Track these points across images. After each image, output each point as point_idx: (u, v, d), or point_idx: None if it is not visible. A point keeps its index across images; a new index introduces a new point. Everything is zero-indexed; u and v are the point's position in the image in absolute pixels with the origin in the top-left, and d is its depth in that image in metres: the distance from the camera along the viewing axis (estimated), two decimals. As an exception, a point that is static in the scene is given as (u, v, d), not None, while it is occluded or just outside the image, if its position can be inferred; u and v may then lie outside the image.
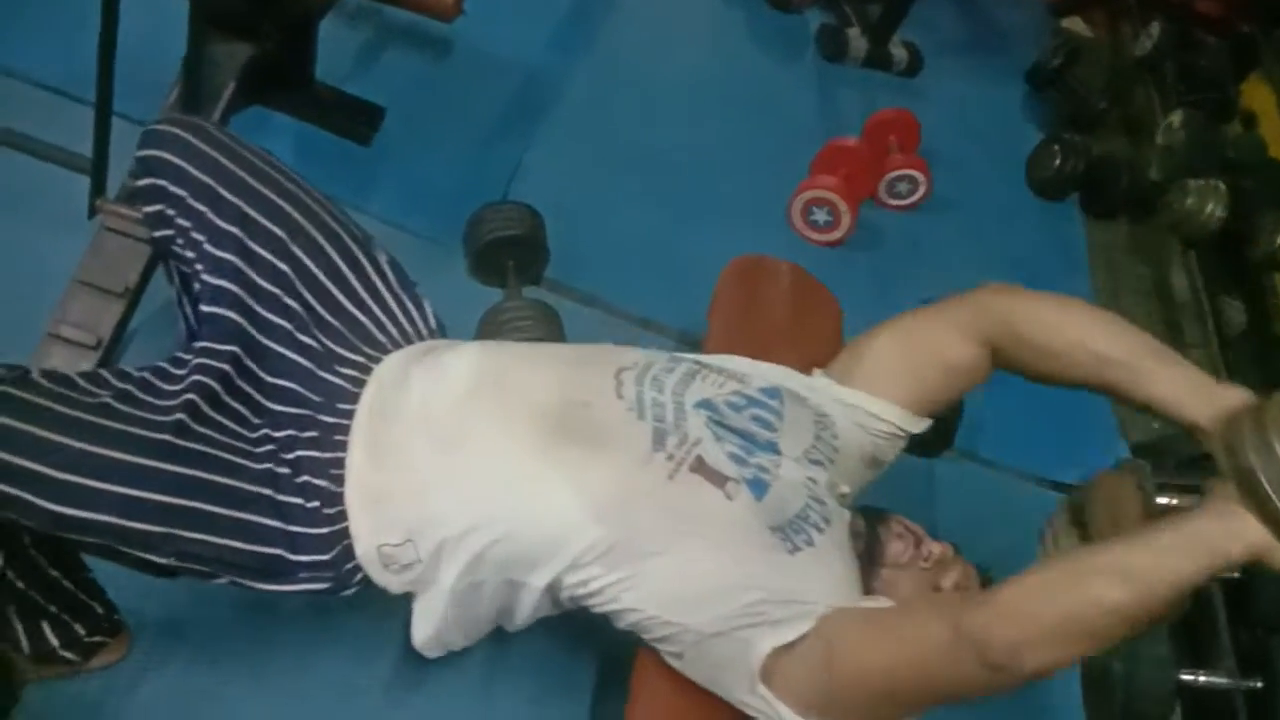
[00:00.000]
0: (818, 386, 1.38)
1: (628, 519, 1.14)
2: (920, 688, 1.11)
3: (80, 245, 1.57)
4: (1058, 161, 2.92)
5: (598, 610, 1.20)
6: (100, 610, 1.31)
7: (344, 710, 1.49)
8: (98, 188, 1.58)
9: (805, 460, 1.24)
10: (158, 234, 1.32)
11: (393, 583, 1.19)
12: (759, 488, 1.18)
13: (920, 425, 1.38)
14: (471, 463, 1.16)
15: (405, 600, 1.23)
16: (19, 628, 1.24)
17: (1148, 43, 3.29)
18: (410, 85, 2.31)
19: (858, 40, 3.07)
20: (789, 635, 1.13)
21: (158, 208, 1.28)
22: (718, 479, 1.17)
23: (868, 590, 1.26)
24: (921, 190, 2.66)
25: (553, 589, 1.19)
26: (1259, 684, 1.75)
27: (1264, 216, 2.62)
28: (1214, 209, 2.62)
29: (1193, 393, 1.12)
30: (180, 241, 1.27)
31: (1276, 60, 3.16)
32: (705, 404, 1.23)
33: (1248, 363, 2.65)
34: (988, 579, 1.34)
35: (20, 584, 1.16)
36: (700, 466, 1.16)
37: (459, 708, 1.54)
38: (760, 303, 1.67)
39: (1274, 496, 0.94)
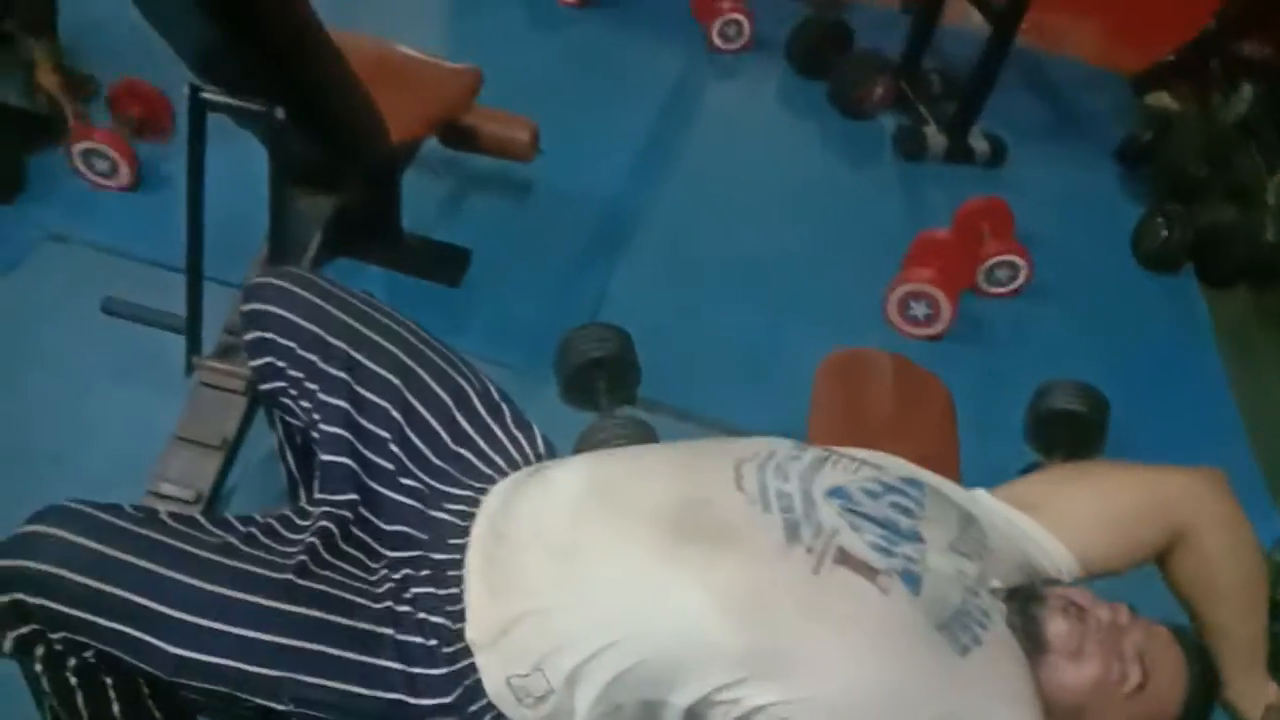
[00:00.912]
0: (973, 497, 1.27)
1: (769, 620, 1.02)
2: None
3: (178, 404, 1.61)
4: (1164, 232, 2.81)
5: None
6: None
7: None
8: (193, 345, 1.63)
9: (952, 552, 1.12)
10: (266, 387, 1.31)
11: (529, 717, 1.10)
12: (912, 580, 1.05)
13: (1074, 576, 1.27)
14: (589, 573, 1.07)
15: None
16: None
17: (1241, 106, 3.19)
18: (495, 226, 2.38)
19: (936, 137, 3.05)
20: None
21: (265, 360, 1.29)
22: (867, 572, 1.04)
23: (1039, 679, 1.12)
24: (1023, 275, 2.57)
25: (700, 708, 1.04)
26: None
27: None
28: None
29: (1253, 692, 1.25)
30: (292, 393, 1.27)
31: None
32: (838, 491, 1.11)
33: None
34: (1180, 633, 1.20)
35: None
36: (845, 559, 1.04)
37: None
38: (862, 397, 1.59)
39: None
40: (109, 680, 1.06)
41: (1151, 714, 1.13)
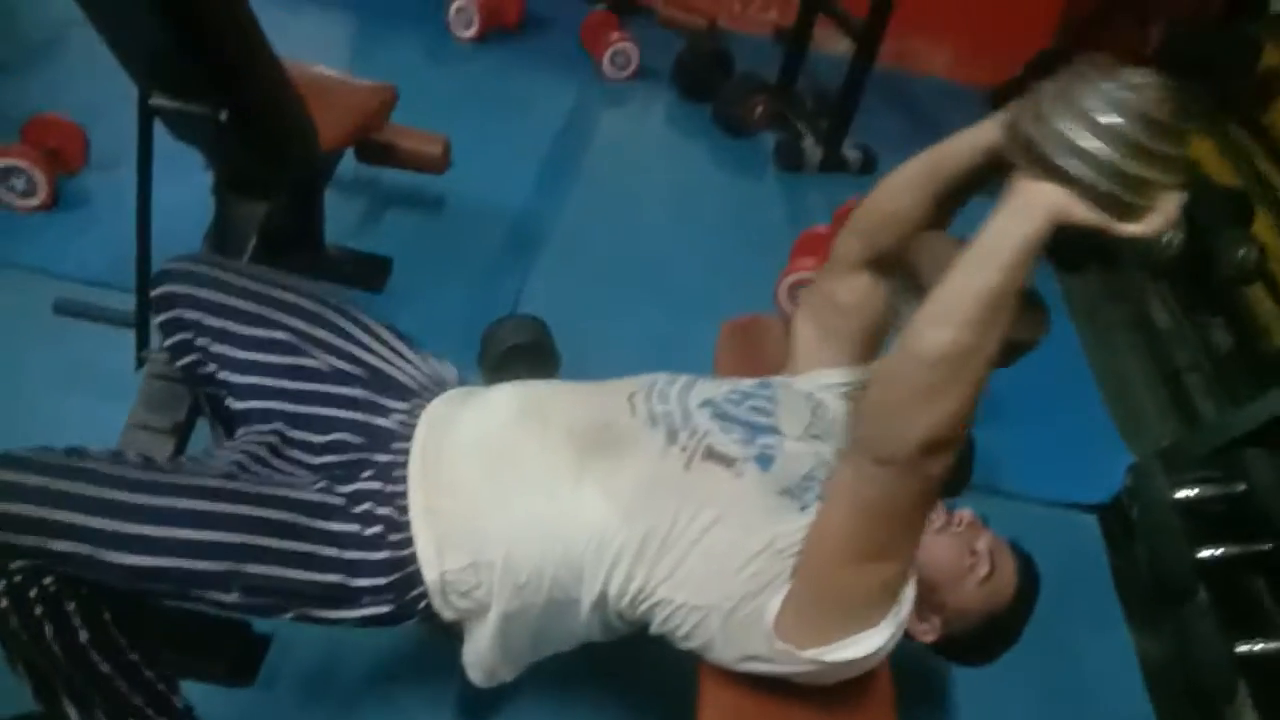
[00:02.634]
0: (790, 383, 1.47)
1: (653, 511, 1.22)
2: (868, 527, 1.14)
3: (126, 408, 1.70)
4: (1019, 223, 3.10)
5: (640, 616, 1.26)
6: (179, 706, 1.36)
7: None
8: (142, 341, 1.74)
9: (807, 436, 1.33)
10: (182, 362, 1.42)
11: (446, 609, 1.26)
12: (765, 462, 1.27)
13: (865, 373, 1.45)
14: (517, 482, 1.25)
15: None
16: (110, 730, 1.30)
17: (1080, 111, 3.53)
18: (414, 236, 2.53)
19: (813, 150, 3.32)
20: (788, 586, 1.20)
21: (178, 338, 1.40)
22: (727, 461, 1.26)
23: None
24: (897, 265, 2.82)
25: (599, 603, 1.25)
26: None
27: (1222, 236, 2.78)
28: (1172, 237, 2.77)
29: (991, 125, 1.20)
30: (204, 360, 1.39)
31: (1210, 117, 3.38)
32: (708, 403, 1.34)
33: (1243, 377, 2.74)
34: (1016, 546, 1.41)
35: (104, 667, 1.21)
36: (711, 454, 1.26)
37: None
38: (760, 351, 1.78)
39: (1051, 154, 0.94)
40: (71, 606, 1.15)
41: (990, 602, 1.34)
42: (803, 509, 1.23)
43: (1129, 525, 2.09)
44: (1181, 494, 2.08)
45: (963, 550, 1.33)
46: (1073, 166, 0.94)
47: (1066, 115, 0.94)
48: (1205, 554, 1.96)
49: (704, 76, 3.55)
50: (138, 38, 1.52)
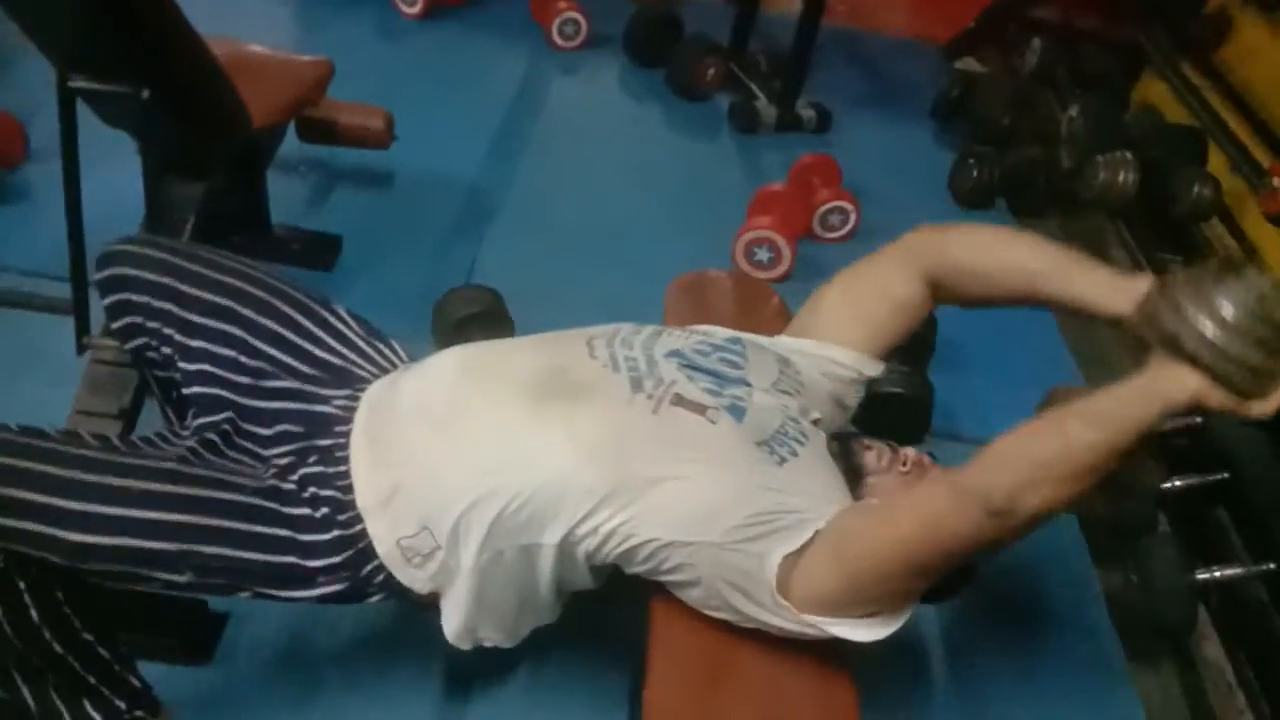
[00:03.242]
0: (779, 342, 1.47)
1: (621, 454, 1.21)
2: (931, 550, 1.15)
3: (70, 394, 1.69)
4: (975, 173, 3.11)
5: (614, 558, 1.24)
6: (136, 684, 1.36)
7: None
8: (82, 326, 1.72)
9: (774, 390, 1.33)
10: (130, 345, 1.42)
11: (417, 579, 1.24)
12: (737, 412, 1.26)
13: (876, 368, 1.47)
14: (467, 435, 1.24)
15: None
16: (62, 708, 1.29)
17: (1033, 58, 3.53)
18: (362, 214, 2.51)
19: (767, 110, 3.31)
20: (797, 541, 1.19)
21: (126, 320, 1.39)
22: (698, 408, 1.25)
23: (857, 499, 1.32)
24: (852, 220, 2.82)
25: (568, 546, 1.22)
26: (1272, 566, 1.77)
27: (1177, 175, 2.78)
28: (1127, 176, 2.78)
29: (1113, 289, 1.22)
30: (154, 344, 1.38)
31: (1162, 57, 3.38)
32: (675, 353, 1.33)
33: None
34: None
35: (57, 646, 1.21)
36: (680, 400, 1.25)
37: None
38: (707, 305, 1.78)
39: (1197, 350, 1.07)
40: (22, 585, 1.14)
41: None
42: (780, 463, 1.23)
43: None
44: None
45: (909, 487, 1.34)
46: (1210, 358, 1.07)
47: (1202, 312, 1.08)
48: (1165, 486, 1.97)
49: (655, 41, 3.53)
50: (53, 19, 1.50)
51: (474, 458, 1.22)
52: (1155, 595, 1.79)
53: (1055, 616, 1.95)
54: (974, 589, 1.43)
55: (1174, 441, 2.09)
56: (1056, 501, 1.10)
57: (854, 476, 1.36)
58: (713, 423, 1.24)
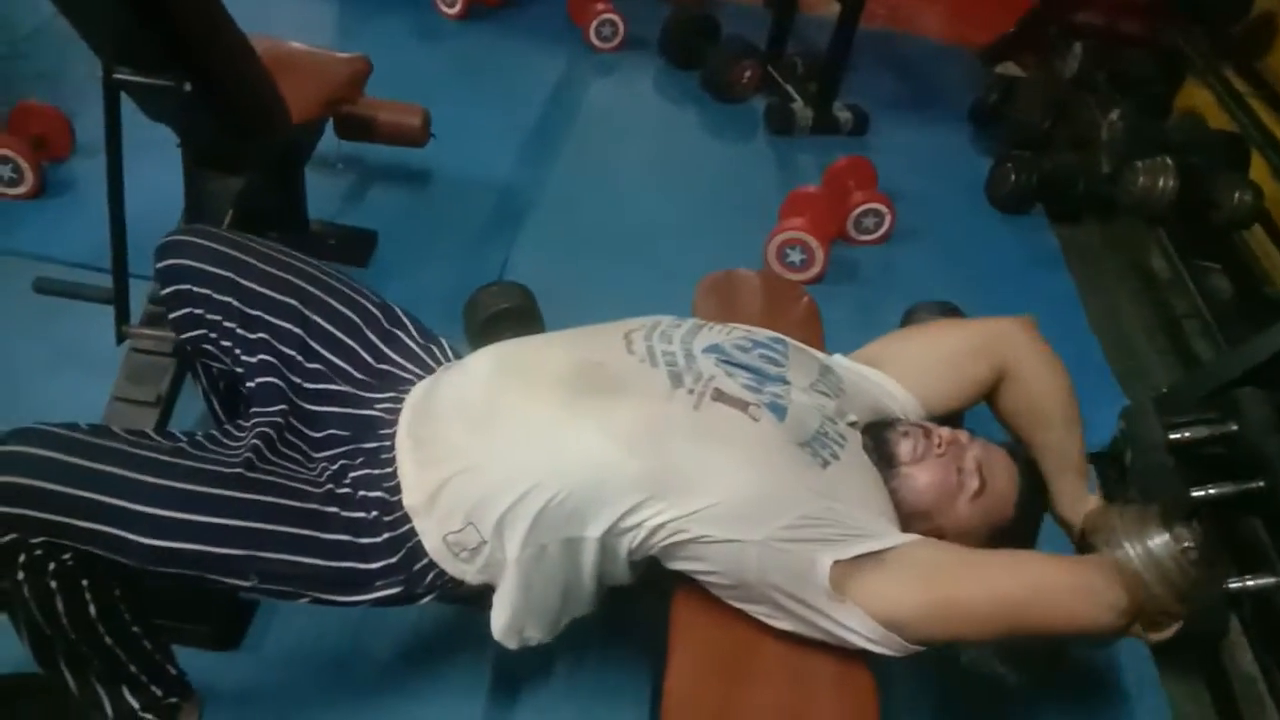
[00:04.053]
0: (835, 360, 1.47)
1: (662, 449, 1.20)
2: (1045, 623, 1.22)
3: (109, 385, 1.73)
4: (1013, 177, 3.09)
5: (658, 552, 1.23)
6: (173, 672, 1.38)
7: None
8: (122, 316, 1.75)
9: (812, 390, 1.32)
10: (187, 335, 1.42)
11: (467, 572, 1.24)
12: (778, 410, 1.25)
13: (919, 416, 1.46)
14: (504, 432, 1.24)
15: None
16: (103, 694, 1.32)
17: (1074, 63, 3.50)
18: (398, 211, 2.54)
19: (803, 112, 3.30)
20: (849, 551, 1.18)
21: (185, 311, 1.40)
22: (739, 404, 1.24)
23: (894, 490, 1.30)
24: (887, 222, 2.81)
25: (610, 540, 1.21)
26: (1308, 576, 1.74)
27: (1218, 181, 2.75)
28: (1167, 182, 2.74)
29: (1074, 500, 1.46)
30: (213, 336, 1.39)
31: (1204, 62, 3.34)
32: (714, 348, 1.32)
33: (1242, 322, 2.70)
34: (1014, 450, 1.41)
35: (108, 639, 1.23)
36: (721, 396, 1.24)
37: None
38: (737, 305, 1.78)
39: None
40: (85, 583, 1.17)
41: (990, 516, 1.34)
42: (824, 466, 1.23)
43: (1123, 470, 2.06)
44: (1175, 435, 2.05)
45: (948, 471, 1.32)
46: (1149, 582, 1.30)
47: (1137, 547, 1.31)
48: (1198, 494, 1.94)
49: (691, 44, 3.54)
50: (99, 12, 1.52)
51: (513, 454, 1.22)
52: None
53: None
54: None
55: (1208, 450, 2.06)
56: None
57: (887, 465, 1.33)
58: (755, 420, 1.23)
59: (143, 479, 1.13)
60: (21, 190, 2.39)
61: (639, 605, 1.39)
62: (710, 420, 1.22)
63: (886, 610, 1.18)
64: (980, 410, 1.51)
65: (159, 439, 1.22)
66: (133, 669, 1.31)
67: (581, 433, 1.22)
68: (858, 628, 1.19)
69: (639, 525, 1.20)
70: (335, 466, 1.29)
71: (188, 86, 1.56)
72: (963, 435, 1.38)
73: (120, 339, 1.74)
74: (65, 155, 2.52)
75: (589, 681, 1.63)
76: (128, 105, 1.65)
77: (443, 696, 1.58)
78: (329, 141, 2.42)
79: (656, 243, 2.64)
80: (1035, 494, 1.40)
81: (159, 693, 1.36)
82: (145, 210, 1.71)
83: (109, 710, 1.32)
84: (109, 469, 1.12)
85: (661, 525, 1.20)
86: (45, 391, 1.95)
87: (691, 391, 1.24)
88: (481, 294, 2.13)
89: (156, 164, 1.86)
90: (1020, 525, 1.37)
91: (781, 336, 1.41)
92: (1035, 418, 1.45)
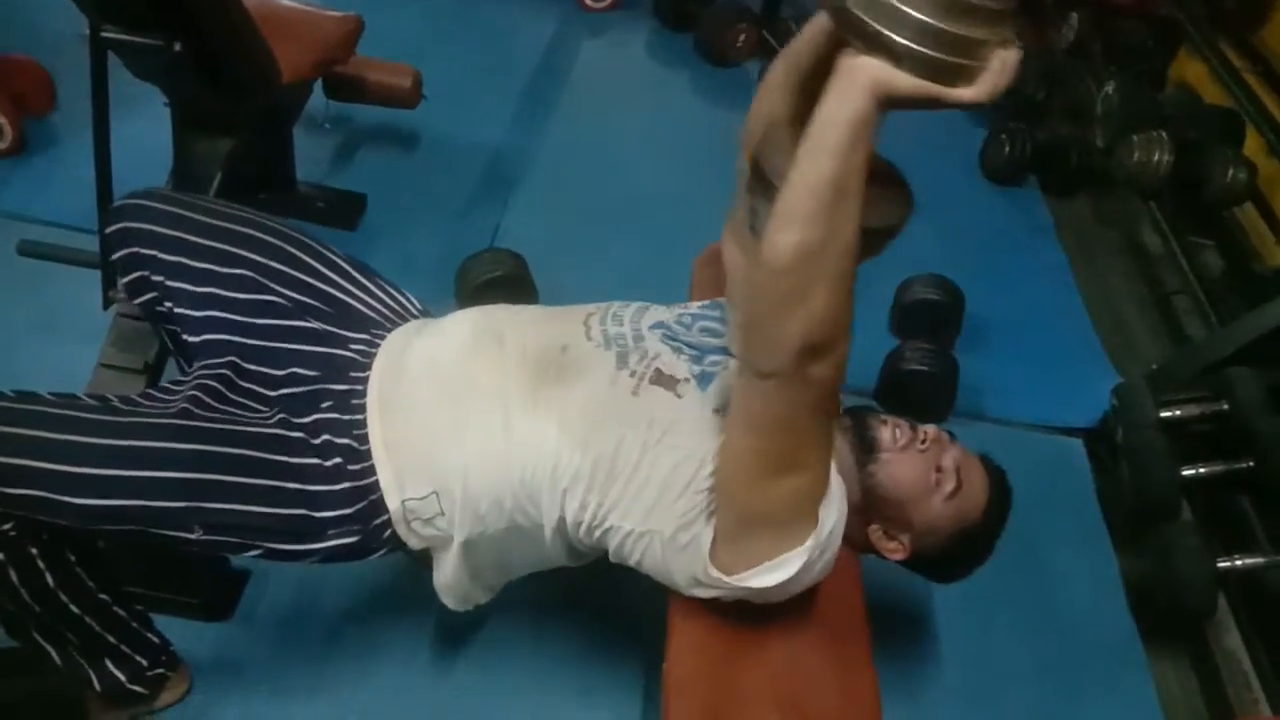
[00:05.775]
0: None
1: (601, 438, 1.21)
2: (767, 442, 1.12)
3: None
4: (1006, 149, 3.06)
5: (598, 543, 1.27)
6: (156, 641, 1.37)
7: (403, 712, 1.54)
8: (109, 281, 1.71)
9: None
10: (140, 300, 1.41)
11: (412, 538, 1.26)
12: (705, 380, 1.27)
13: None
14: (474, 405, 1.24)
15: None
16: (86, 666, 1.31)
17: (1070, 34, 3.47)
18: (388, 173, 2.49)
19: (798, 78, 3.25)
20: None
21: (136, 275, 1.38)
22: (670, 383, 1.26)
23: (870, 475, 1.31)
24: (882, 192, 2.78)
25: (560, 530, 1.25)
26: (1295, 556, 1.77)
27: (1212, 156, 2.74)
28: (1161, 156, 2.74)
29: None
30: (160, 296, 1.37)
31: (1200, 35, 3.32)
32: (659, 325, 1.35)
33: (1233, 299, 2.71)
34: (988, 461, 1.40)
35: (74, 607, 1.22)
36: (659, 377, 1.26)
37: (514, 706, 1.58)
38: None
39: (871, 24, 0.89)
40: (35, 551, 1.16)
41: (960, 518, 1.33)
42: None
43: (1114, 448, 2.08)
44: (1166, 414, 2.07)
45: (928, 467, 1.32)
46: (892, 33, 0.87)
47: None
48: (1189, 472, 1.96)
49: (685, 5, 3.47)
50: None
51: (475, 435, 1.23)
52: (1175, 581, 1.78)
53: (1073, 601, 1.94)
54: (990, 571, 1.42)
55: (1199, 428, 2.08)
56: (821, 328, 1.00)
57: (866, 451, 1.33)
58: (679, 397, 1.25)
59: (69, 438, 1.10)
60: (1, 147, 2.33)
61: (633, 592, 1.39)
62: (642, 405, 1.24)
63: (727, 547, 1.18)
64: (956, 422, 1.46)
65: (89, 399, 1.19)
66: (111, 639, 1.31)
67: (540, 421, 1.23)
68: (729, 585, 1.19)
69: (582, 508, 1.23)
70: (290, 407, 1.26)
71: (178, 46, 1.52)
72: (945, 436, 1.38)
73: (107, 304, 1.70)
74: (47, 111, 2.46)
75: (586, 663, 1.64)
76: (112, 61, 1.61)
77: (438, 669, 1.58)
78: (318, 100, 2.38)
79: (650, 209, 2.61)
80: (1004, 505, 1.39)
81: (144, 663, 1.36)
82: (129, 170, 1.67)
83: (95, 684, 1.32)
84: (32, 432, 1.09)
85: (596, 512, 1.23)
86: (30, 357, 1.92)
87: (634, 374, 1.27)
88: (474, 261, 2.11)
89: (141, 122, 1.82)
90: (984, 533, 1.36)
91: (718, 300, 1.41)
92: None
